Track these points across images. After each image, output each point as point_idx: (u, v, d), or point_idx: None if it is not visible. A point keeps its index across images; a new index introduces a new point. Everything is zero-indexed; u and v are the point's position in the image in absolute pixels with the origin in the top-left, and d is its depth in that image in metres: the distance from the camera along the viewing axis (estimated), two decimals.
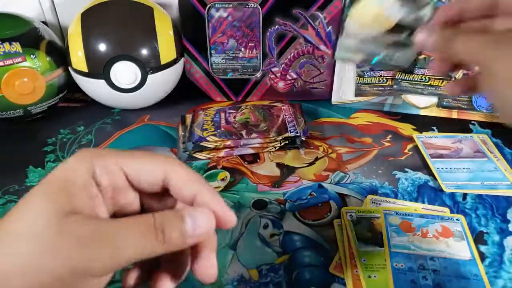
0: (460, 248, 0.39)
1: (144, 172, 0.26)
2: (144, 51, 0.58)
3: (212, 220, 0.25)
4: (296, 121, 0.57)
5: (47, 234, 0.23)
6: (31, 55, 0.57)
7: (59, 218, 0.23)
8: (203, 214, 0.25)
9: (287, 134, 0.54)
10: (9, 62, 0.55)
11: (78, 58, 0.59)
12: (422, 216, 0.43)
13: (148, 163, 0.27)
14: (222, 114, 0.59)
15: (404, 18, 0.36)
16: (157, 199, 0.28)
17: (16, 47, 0.56)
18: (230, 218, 0.27)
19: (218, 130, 0.55)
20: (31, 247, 0.23)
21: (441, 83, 0.61)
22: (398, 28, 0.37)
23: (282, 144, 0.54)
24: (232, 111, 0.60)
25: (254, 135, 0.54)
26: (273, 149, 0.55)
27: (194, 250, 0.28)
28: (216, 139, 0.53)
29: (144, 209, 0.28)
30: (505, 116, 0.27)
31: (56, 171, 0.25)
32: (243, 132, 0.55)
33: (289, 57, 0.65)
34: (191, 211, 0.25)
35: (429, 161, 0.52)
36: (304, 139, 0.55)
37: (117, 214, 0.27)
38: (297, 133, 0.55)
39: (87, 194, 0.25)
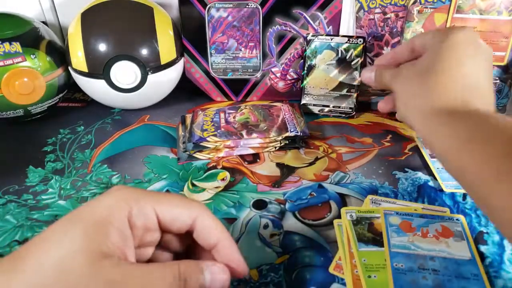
0: (460, 248, 0.39)
1: (176, 216, 0.29)
2: (144, 51, 0.58)
3: (227, 277, 0.28)
4: (296, 121, 0.57)
5: (80, 272, 0.23)
6: (31, 55, 0.57)
7: (94, 260, 0.24)
8: (220, 270, 0.28)
9: (287, 134, 0.54)
10: (9, 62, 0.55)
11: (78, 58, 0.59)
12: (422, 216, 0.43)
13: (181, 208, 0.29)
14: (222, 114, 0.59)
15: (343, 79, 0.61)
16: (177, 238, 0.31)
17: (16, 47, 0.56)
18: (244, 270, 0.30)
19: (218, 131, 0.55)
20: (58, 283, 0.23)
21: None
22: (340, 85, 0.61)
23: (282, 144, 0.54)
24: (231, 111, 0.60)
25: (254, 135, 0.54)
26: (273, 149, 0.55)
27: None
28: (216, 139, 0.53)
29: (160, 244, 0.30)
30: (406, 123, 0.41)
31: (94, 208, 0.26)
32: (243, 132, 0.55)
33: (289, 57, 0.65)
34: (210, 266, 0.28)
35: (429, 161, 0.52)
36: (304, 138, 0.55)
37: (137, 249, 0.28)
38: (297, 132, 0.54)
39: (121, 236, 0.26)
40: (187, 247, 0.32)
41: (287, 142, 0.55)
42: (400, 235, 0.40)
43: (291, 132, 0.54)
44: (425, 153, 0.53)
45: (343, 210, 0.44)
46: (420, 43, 0.39)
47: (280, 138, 0.54)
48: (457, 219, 0.43)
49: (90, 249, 0.24)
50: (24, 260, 0.23)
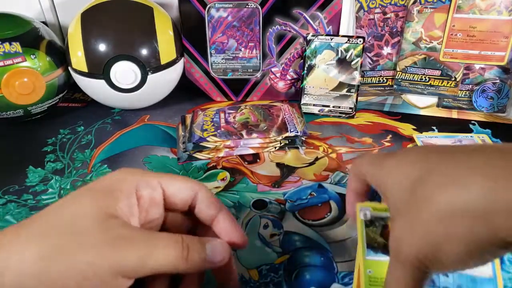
0: (482, 268, 0.32)
1: (179, 189, 0.31)
2: (144, 51, 0.58)
3: (227, 250, 0.29)
4: (296, 121, 0.57)
5: (90, 230, 0.25)
6: (31, 55, 0.57)
7: (103, 219, 0.26)
8: (221, 245, 0.29)
9: (287, 134, 0.54)
10: (9, 62, 0.55)
11: (78, 58, 0.59)
12: None
13: (184, 182, 0.31)
14: (222, 114, 0.59)
15: (343, 79, 0.60)
16: (179, 219, 0.32)
17: (16, 47, 0.56)
18: (244, 241, 0.31)
19: (218, 131, 0.55)
20: (73, 241, 0.25)
21: (441, 83, 0.61)
22: (339, 85, 0.61)
23: (282, 144, 0.54)
24: (231, 111, 0.60)
25: (254, 135, 0.54)
26: (273, 149, 0.55)
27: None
28: (216, 139, 0.53)
29: (164, 228, 0.32)
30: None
31: (104, 179, 0.29)
32: (243, 132, 0.55)
33: (289, 57, 0.65)
34: (212, 241, 0.29)
35: None
36: (304, 138, 0.55)
37: (144, 227, 0.30)
38: (297, 132, 0.54)
39: (128, 203, 0.28)
40: (189, 231, 0.33)
41: (287, 142, 0.55)
42: None
43: (291, 132, 0.54)
44: None
45: (358, 205, 0.34)
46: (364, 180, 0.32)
47: (280, 138, 0.54)
48: None
49: (99, 210, 0.26)
50: (37, 222, 0.26)
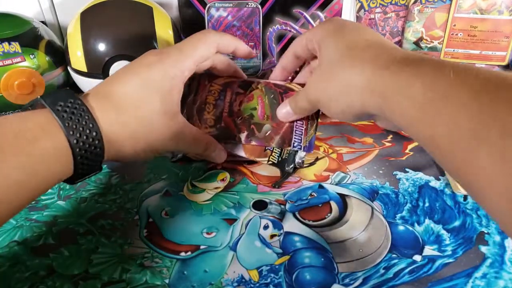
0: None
1: (205, 52, 0.42)
2: (144, 51, 0.58)
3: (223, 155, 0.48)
4: (305, 126, 0.47)
5: (160, 124, 0.38)
6: (30, 55, 0.57)
7: (169, 117, 0.38)
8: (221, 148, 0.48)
9: (288, 148, 0.47)
10: (8, 62, 0.55)
11: (77, 58, 0.59)
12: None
13: (206, 44, 0.42)
14: (228, 95, 0.49)
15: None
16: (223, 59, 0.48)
17: (15, 47, 0.56)
18: (251, 52, 0.47)
19: (218, 126, 0.48)
20: (146, 128, 0.37)
21: None
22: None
23: (270, 162, 0.48)
24: (240, 91, 0.50)
25: (253, 142, 0.47)
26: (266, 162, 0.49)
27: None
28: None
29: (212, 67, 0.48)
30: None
31: (163, 78, 0.38)
32: (243, 136, 0.48)
33: None
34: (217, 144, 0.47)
35: None
36: (301, 160, 0.49)
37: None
38: (300, 147, 0.47)
39: (179, 97, 0.40)
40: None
41: (275, 161, 0.48)
42: None
43: (294, 147, 0.46)
44: None
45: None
46: (303, 48, 0.43)
47: (265, 161, 0.48)
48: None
49: (168, 109, 0.38)
50: (120, 98, 0.37)
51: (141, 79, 0.37)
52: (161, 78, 0.37)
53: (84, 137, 0.32)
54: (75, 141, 0.31)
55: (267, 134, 0.47)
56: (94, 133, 0.32)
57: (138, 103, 0.36)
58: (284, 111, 0.45)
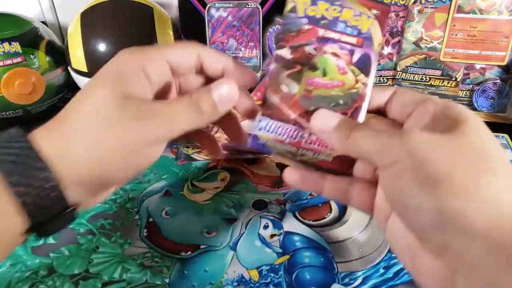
0: None
1: (183, 55, 0.32)
2: None
3: (234, 87, 0.30)
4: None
5: (110, 113, 0.27)
6: (31, 55, 0.57)
7: (118, 100, 0.28)
8: (226, 83, 0.30)
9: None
10: (8, 62, 0.55)
11: (77, 58, 0.59)
12: None
13: (184, 48, 0.32)
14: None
15: None
16: (194, 82, 0.34)
17: (16, 47, 0.56)
18: (253, 77, 0.33)
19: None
20: (99, 125, 0.27)
21: (442, 83, 0.61)
22: None
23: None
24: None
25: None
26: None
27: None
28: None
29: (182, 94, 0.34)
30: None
31: (109, 64, 0.30)
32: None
33: None
34: (216, 84, 0.30)
35: None
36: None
37: (159, 98, 0.32)
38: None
39: (137, 81, 0.29)
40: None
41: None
42: None
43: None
44: None
45: None
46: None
47: None
48: None
49: (112, 93, 0.28)
50: (69, 121, 0.28)
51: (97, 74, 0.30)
52: (116, 67, 0.30)
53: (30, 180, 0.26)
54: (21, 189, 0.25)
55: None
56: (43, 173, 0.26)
57: (84, 98, 0.29)
58: (323, 127, 0.29)
